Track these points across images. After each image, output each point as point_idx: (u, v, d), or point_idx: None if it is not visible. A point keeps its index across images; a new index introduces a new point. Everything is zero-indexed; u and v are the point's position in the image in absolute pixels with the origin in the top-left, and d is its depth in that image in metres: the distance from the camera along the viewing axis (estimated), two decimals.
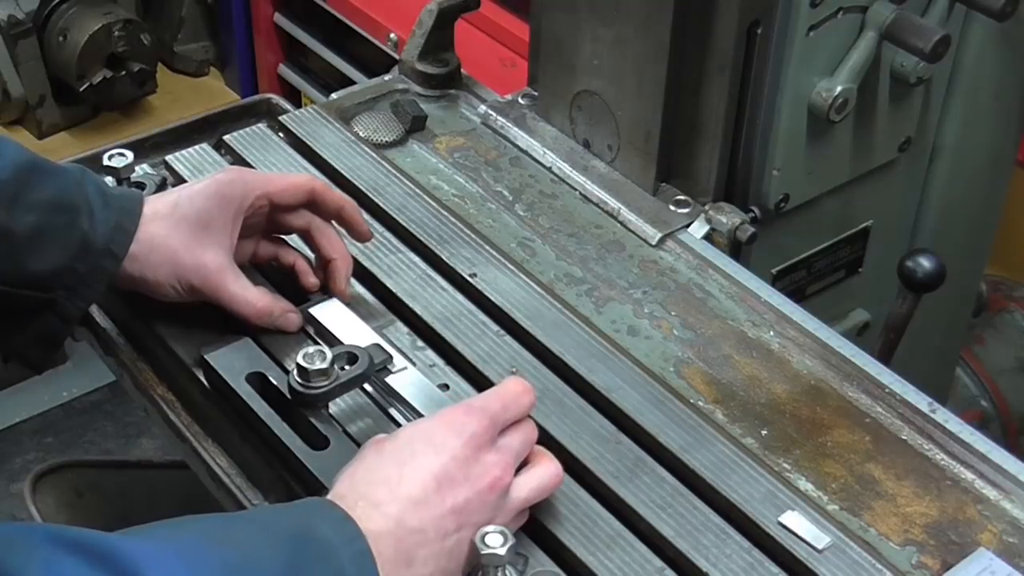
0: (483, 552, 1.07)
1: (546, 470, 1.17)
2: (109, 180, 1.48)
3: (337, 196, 1.39)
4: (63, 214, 1.27)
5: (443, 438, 1.11)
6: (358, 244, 1.44)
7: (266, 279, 1.41)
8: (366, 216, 1.51)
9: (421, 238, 1.49)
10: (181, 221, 1.31)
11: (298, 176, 1.36)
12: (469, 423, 1.12)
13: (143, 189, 1.52)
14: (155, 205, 1.32)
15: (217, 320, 1.34)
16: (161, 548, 0.93)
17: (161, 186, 1.54)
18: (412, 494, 1.07)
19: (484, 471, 1.11)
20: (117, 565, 0.89)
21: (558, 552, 1.17)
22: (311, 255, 1.41)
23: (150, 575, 0.90)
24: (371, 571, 1.01)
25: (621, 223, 1.56)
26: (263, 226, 1.38)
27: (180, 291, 1.32)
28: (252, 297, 1.32)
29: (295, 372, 1.24)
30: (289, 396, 1.25)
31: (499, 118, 1.71)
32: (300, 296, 1.39)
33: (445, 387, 1.32)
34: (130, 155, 1.48)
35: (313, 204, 1.37)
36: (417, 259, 1.47)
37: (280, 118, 1.67)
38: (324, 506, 1.05)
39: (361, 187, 1.56)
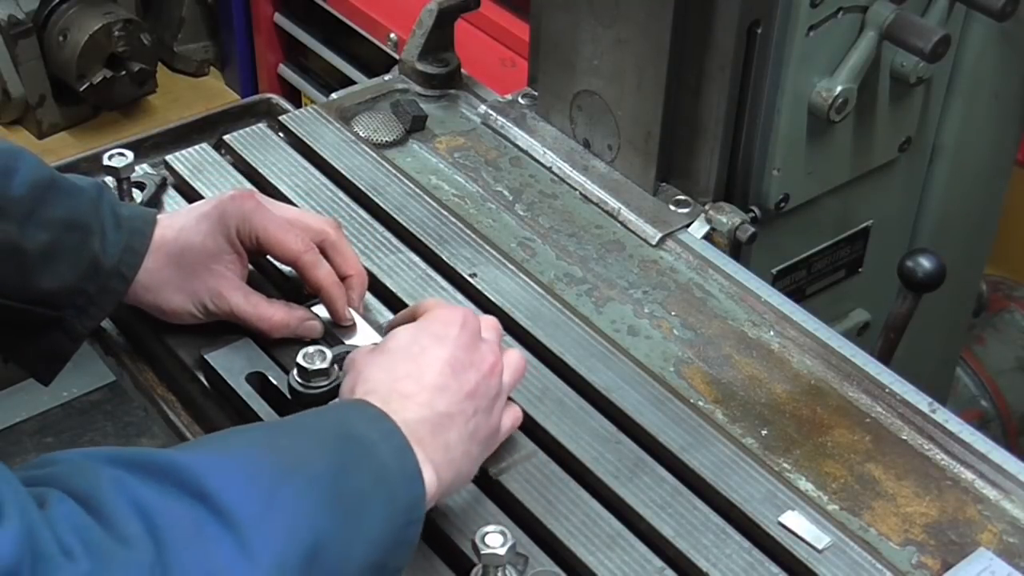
0: (483, 552, 1.08)
1: (512, 355, 1.23)
2: (109, 180, 1.48)
3: (322, 275, 1.33)
4: (75, 233, 1.28)
5: (443, 330, 1.17)
6: (358, 244, 1.43)
7: (267, 279, 1.41)
8: (365, 215, 1.52)
9: (421, 238, 1.49)
10: (187, 248, 1.31)
11: (295, 241, 1.31)
12: (457, 316, 1.18)
13: (143, 189, 1.52)
14: (163, 231, 1.32)
15: (217, 321, 1.34)
16: (217, 459, 0.96)
17: (161, 186, 1.55)
18: (436, 382, 1.13)
19: (484, 356, 1.17)
20: (179, 476, 0.92)
21: (558, 552, 1.17)
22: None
23: (211, 481, 0.92)
24: (411, 460, 1.06)
25: (621, 223, 1.56)
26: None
27: (197, 315, 1.33)
28: (266, 312, 1.32)
29: (295, 372, 1.24)
30: (289, 396, 1.25)
31: (499, 118, 1.71)
32: (300, 296, 1.39)
33: None
34: (130, 155, 1.48)
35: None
36: (417, 259, 1.47)
37: (280, 118, 1.67)
38: (359, 405, 1.10)
39: (361, 187, 1.56)
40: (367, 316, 1.38)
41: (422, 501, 1.06)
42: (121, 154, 1.48)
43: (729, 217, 1.52)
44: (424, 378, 1.13)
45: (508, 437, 1.25)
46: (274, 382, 1.28)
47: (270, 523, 0.93)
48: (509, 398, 1.23)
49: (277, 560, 0.92)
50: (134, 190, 1.51)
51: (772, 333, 1.42)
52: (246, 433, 1.06)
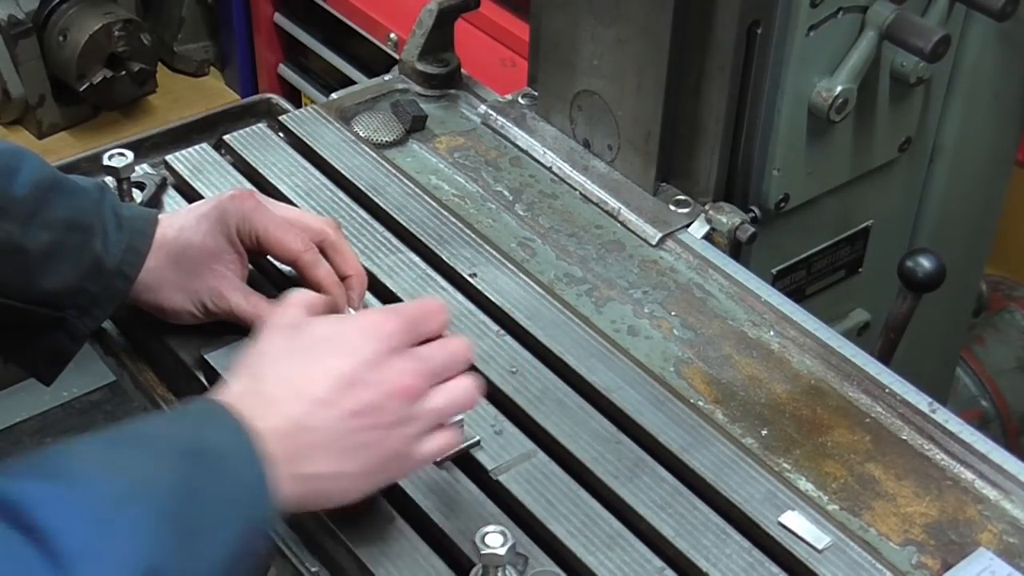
0: (483, 552, 1.08)
1: (459, 383, 1.14)
2: (109, 180, 1.48)
3: (322, 275, 1.32)
4: (77, 234, 1.28)
5: (354, 339, 1.11)
6: (358, 244, 1.43)
7: (267, 279, 1.41)
8: (365, 215, 1.52)
9: (421, 238, 1.49)
10: (187, 248, 1.31)
11: (295, 241, 1.31)
12: (383, 325, 1.12)
13: (143, 189, 1.52)
14: (164, 230, 1.32)
15: (217, 321, 1.34)
16: (51, 488, 0.92)
17: (161, 186, 1.55)
18: (314, 394, 1.07)
19: (393, 376, 1.10)
20: (9, 509, 0.89)
21: (558, 552, 1.17)
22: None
23: (41, 515, 0.89)
24: (264, 475, 1.01)
25: (621, 223, 1.56)
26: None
27: (197, 315, 1.33)
28: (266, 312, 1.31)
29: None
30: None
31: (499, 118, 1.71)
32: None
33: None
34: (130, 155, 1.48)
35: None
36: (417, 259, 1.47)
37: (280, 118, 1.67)
38: (217, 413, 1.04)
39: (361, 187, 1.56)
40: None
41: (273, 518, 1.04)
42: (121, 154, 1.48)
43: (729, 217, 1.52)
44: (304, 387, 1.08)
45: (509, 438, 1.25)
46: None
47: (100, 557, 0.90)
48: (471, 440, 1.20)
49: None
50: (134, 190, 1.51)
51: (772, 333, 1.42)
52: (87, 451, 0.99)
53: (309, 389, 1.08)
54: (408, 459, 1.13)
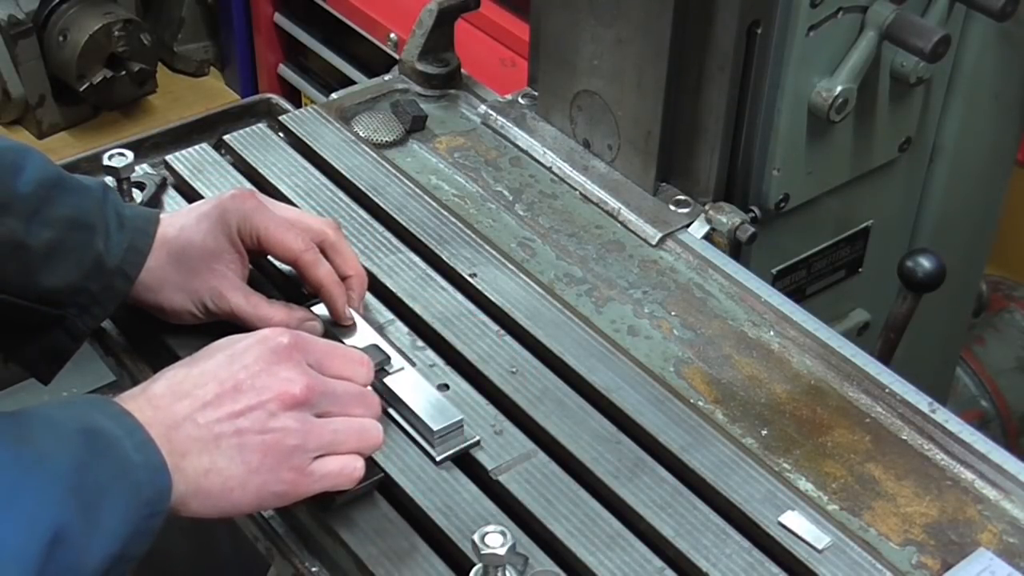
0: (483, 552, 1.08)
1: (364, 420, 1.16)
2: (109, 180, 1.48)
3: (322, 274, 1.32)
4: (80, 232, 1.28)
5: (244, 346, 1.14)
6: (358, 244, 1.43)
7: (267, 279, 1.41)
8: (365, 215, 1.52)
9: (421, 238, 1.49)
10: (188, 248, 1.31)
11: (295, 240, 1.31)
12: (275, 338, 1.14)
13: (143, 189, 1.52)
14: (164, 230, 1.33)
15: (217, 321, 1.34)
16: None
17: (161, 186, 1.54)
18: (189, 392, 1.11)
19: (275, 384, 1.12)
20: None
21: (558, 552, 1.17)
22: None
23: None
24: (155, 457, 1.06)
25: (621, 223, 1.56)
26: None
27: (197, 315, 1.33)
28: (266, 313, 1.32)
29: None
30: None
31: (499, 118, 1.71)
32: (300, 296, 1.39)
33: (445, 387, 1.32)
34: (130, 155, 1.48)
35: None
36: (417, 259, 1.47)
37: (280, 118, 1.67)
38: (101, 402, 1.09)
39: (361, 187, 1.56)
40: (367, 316, 1.38)
41: (168, 493, 1.06)
42: (121, 154, 1.48)
43: (729, 217, 1.52)
44: (181, 386, 1.11)
45: (509, 438, 1.25)
46: None
47: (11, 516, 0.95)
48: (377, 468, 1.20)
49: (16, 552, 0.94)
50: (134, 190, 1.51)
51: (772, 333, 1.42)
52: None
53: (185, 388, 1.11)
54: (301, 474, 1.13)
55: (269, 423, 1.11)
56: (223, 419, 1.10)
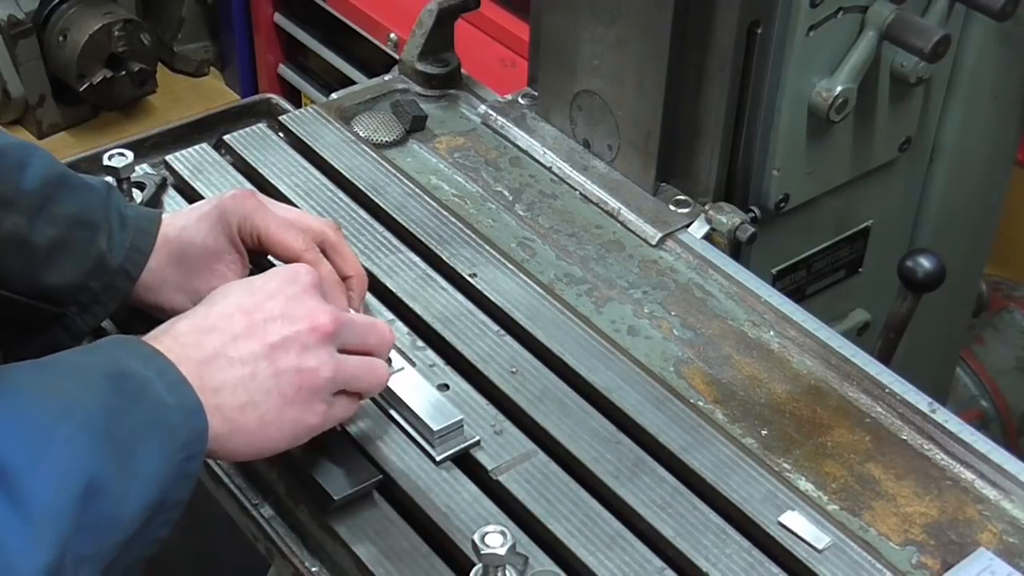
0: (483, 552, 1.07)
1: (373, 362, 1.17)
2: (109, 180, 1.48)
3: (323, 274, 1.30)
4: (84, 230, 1.28)
5: (263, 281, 1.14)
6: (358, 244, 1.43)
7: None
8: (365, 215, 1.52)
9: (421, 238, 1.49)
10: (188, 248, 1.31)
11: (296, 240, 1.30)
12: (296, 272, 1.15)
13: (143, 189, 1.52)
14: (165, 229, 1.33)
15: None
16: None
17: (161, 186, 1.55)
18: (215, 326, 1.09)
19: (305, 313, 1.12)
20: None
21: (558, 552, 1.17)
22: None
23: None
24: (190, 397, 1.04)
25: (621, 223, 1.56)
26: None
27: None
28: None
29: None
30: None
31: (499, 118, 1.71)
32: None
33: (445, 387, 1.32)
34: (130, 155, 1.48)
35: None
36: (417, 259, 1.47)
37: (280, 118, 1.67)
38: (129, 342, 1.07)
39: (361, 187, 1.56)
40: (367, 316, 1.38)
41: (205, 434, 1.04)
42: (121, 154, 1.48)
43: (729, 217, 1.52)
44: (205, 321, 1.10)
45: (509, 438, 1.25)
46: None
47: (41, 470, 0.92)
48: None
49: (48, 508, 0.92)
50: (134, 190, 1.51)
51: (772, 333, 1.42)
52: (17, 375, 1.02)
53: (210, 322, 1.10)
54: (330, 405, 1.13)
55: (304, 354, 1.10)
56: (257, 351, 1.09)
